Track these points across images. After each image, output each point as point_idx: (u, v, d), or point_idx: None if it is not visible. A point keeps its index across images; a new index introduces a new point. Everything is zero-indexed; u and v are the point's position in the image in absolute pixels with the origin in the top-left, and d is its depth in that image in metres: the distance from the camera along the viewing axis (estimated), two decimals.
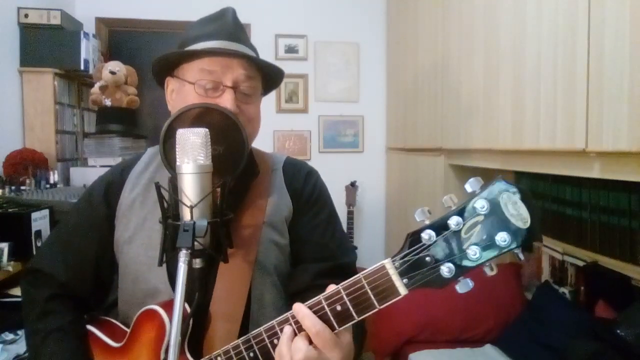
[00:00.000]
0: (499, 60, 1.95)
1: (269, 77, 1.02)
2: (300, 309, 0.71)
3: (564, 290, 2.21)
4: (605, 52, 1.33)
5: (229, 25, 0.96)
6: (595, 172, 1.45)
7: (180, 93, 0.95)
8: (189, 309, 0.84)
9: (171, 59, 0.96)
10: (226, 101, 0.90)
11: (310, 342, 0.71)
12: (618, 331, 1.68)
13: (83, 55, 2.86)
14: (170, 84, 1.00)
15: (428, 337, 2.36)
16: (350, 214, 3.43)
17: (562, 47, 1.53)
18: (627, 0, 1.25)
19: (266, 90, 1.04)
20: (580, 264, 2.12)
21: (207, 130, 0.81)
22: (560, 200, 2.17)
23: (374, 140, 3.78)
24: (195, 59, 0.93)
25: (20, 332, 1.78)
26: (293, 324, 0.73)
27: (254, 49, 0.99)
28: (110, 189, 1.01)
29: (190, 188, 0.79)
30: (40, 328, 0.95)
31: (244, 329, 0.88)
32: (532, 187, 2.40)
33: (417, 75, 3.02)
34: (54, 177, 2.59)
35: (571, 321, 1.99)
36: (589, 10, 1.39)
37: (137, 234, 0.96)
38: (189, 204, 0.79)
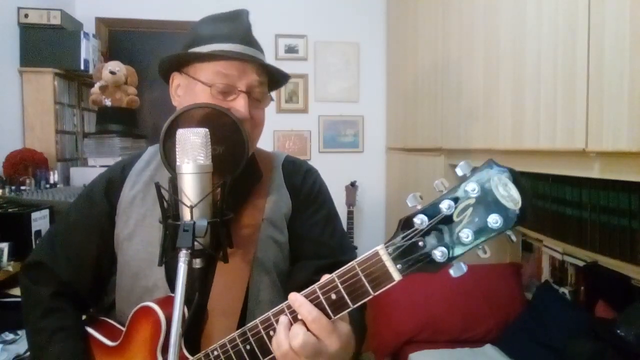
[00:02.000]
0: (499, 60, 1.95)
1: (273, 81, 1.02)
2: (296, 298, 0.71)
3: (564, 290, 2.21)
4: (605, 52, 1.33)
5: (244, 29, 0.96)
6: (595, 172, 1.45)
7: (190, 91, 0.95)
8: (186, 310, 0.84)
9: (185, 57, 0.95)
10: (240, 106, 0.90)
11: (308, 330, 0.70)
12: (618, 331, 1.68)
13: (83, 55, 2.86)
14: (176, 79, 0.99)
15: (428, 337, 2.36)
16: (350, 214, 3.43)
17: (562, 47, 1.53)
18: (627, 0, 1.25)
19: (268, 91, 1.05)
20: (580, 264, 2.12)
21: (207, 130, 0.81)
22: (560, 200, 2.16)
23: (374, 140, 3.78)
24: (211, 61, 0.92)
25: (21, 332, 1.78)
26: (288, 314, 0.73)
27: (263, 53, 0.99)
28: (110, 186, 1.01)
29: (190, 188, 0.79)
30: (44, 327, 0.94)
31: (241, 325, 0.88)
32: (532, 187, 2.40)
33: (417, 75, 3.02)
34: (54, 177, 2.59)
35: (571, 321, 1.99)
36: (589, 10, 1.39)
37: (136, 231, 0.96)
38: (189, 204, 0.79)
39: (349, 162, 3.72)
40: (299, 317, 0.71)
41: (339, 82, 3.71)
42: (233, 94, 0.92)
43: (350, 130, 3.76)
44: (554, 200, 2.21)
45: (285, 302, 0.74)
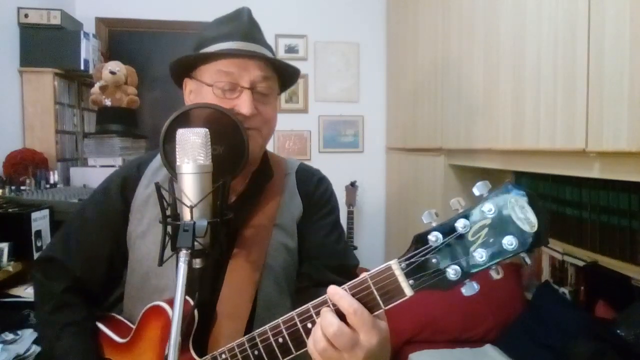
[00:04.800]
0: (499, 60, 1.95)
1: (284, 76, 1.02)
2: (336, 291, 0.68)
3: (564, 290, 2.21)
4: (605, 52, 1.33)
5: (244, 26, 0.96)
6: (595, 172, 1.45)
7: (199, 94, 0.96)
8: (196, 311, 0.84)
9: (188, 61, 0.96)
10: (244, 102, 0.90)
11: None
12: (618, 331, 1.68)
13: (83, 55, 2.86)
14: (189, 85, 1.00)
15: (428, 337, 2.36)
16: (350, 214, 3.43)
17: (562, 47, 1.53)
18: (627, 0, 1.25)
19: (281, 89, 1.05)
20: (580, 264, 2.12)
21: (207, 130, 0.81)
22: (560, 200, 2.16)
23: (374, 140, 3.78)
24: (212, 61, 0.93)
25: (20, 332, 1.78)
26: (314, 314, 0.70)
27: (270, 49, 1.00)
28: (126, 184, 1.02)
29: (190, 188, 0.79)
30: (55, 320, 0.96)
31: (249, 328, 0.89)
32: (532, 187, 2.40)
33: (417, 75, 3.02)
34: (54, 177, 2.59)
35: (571, 321, 1.99)
36: (589, 10, 1.39)
37: (150, 230, 0.97)
38: (189, 204, 0.79)
39: (349, 162, 3.72)
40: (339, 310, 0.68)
41: (339, 82, 3.71)
42: (236, 92, 0.92)
43: (350, 130, 3.76)
44: (554, 200, 2.22)
45: (296, 311, 0.72)
